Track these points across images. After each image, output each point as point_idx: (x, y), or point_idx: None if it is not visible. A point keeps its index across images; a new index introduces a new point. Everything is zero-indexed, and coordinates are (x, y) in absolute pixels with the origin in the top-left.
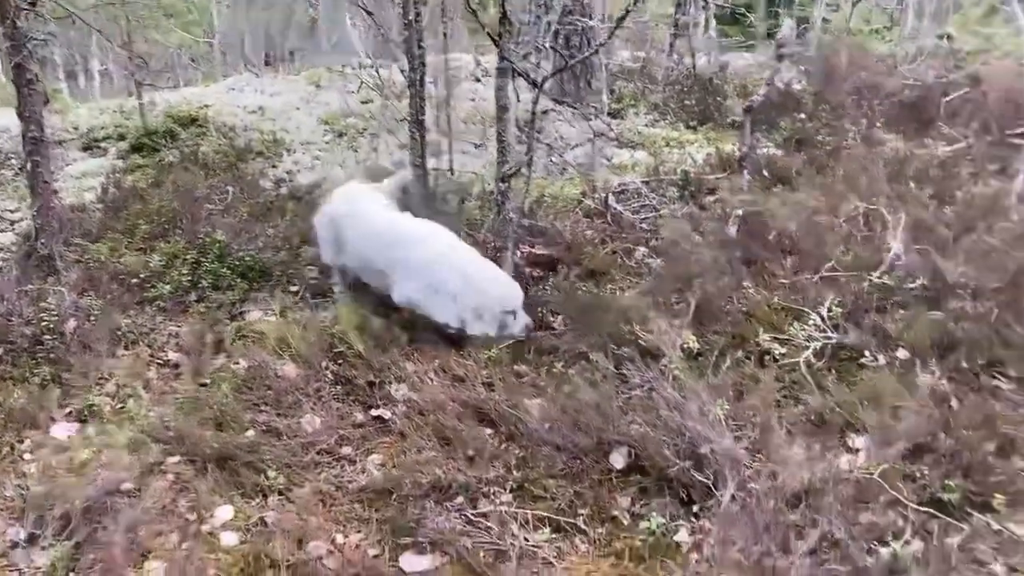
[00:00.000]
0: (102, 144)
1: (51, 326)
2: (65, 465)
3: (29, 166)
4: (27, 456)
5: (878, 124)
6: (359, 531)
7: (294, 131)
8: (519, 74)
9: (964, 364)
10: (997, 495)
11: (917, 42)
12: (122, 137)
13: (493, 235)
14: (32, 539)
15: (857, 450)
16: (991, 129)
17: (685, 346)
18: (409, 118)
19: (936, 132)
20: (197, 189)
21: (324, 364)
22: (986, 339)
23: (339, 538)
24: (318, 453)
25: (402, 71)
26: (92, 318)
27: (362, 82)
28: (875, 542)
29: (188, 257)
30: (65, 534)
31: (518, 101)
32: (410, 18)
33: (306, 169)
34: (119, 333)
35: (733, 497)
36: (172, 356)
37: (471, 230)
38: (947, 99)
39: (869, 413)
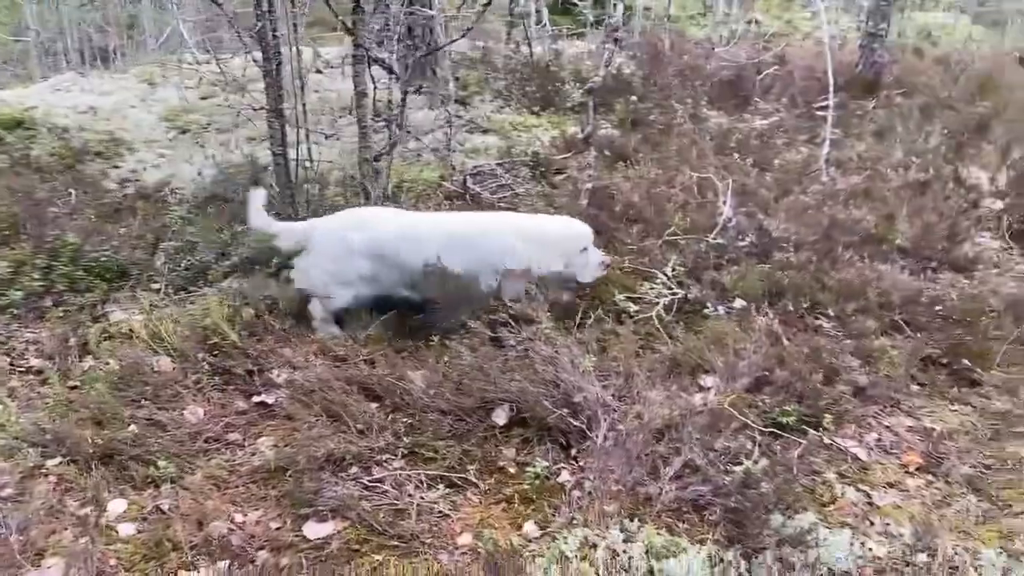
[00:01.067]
0: None
1: None
2: None
3: None
4: None
5: (702, 102)
6: (257, 509)
7: (133, 129)
8: (374, 60)
9: (791, 307)
10: (826, 415)
11: (729, 26)
12: None
13: None
14: None
15: (708, 388)
16: (798, 103)
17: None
18: (267, 107)
19: (753, 107)
20: (36, 193)
21: (200, 356)
22: (807, 285)
23: (238, 517)
24: (205, 441)
25: (255, 61)
26: None
27: (201, 77)
28: (729, 463)
29: (38, 262)
30: None
31: (375, 87)
32: (264, 8)
33: (152, 167)
34: None
35: (606, 437)
36: (34, 362)
37: None
38: (759, 77)
39: (715, 355)
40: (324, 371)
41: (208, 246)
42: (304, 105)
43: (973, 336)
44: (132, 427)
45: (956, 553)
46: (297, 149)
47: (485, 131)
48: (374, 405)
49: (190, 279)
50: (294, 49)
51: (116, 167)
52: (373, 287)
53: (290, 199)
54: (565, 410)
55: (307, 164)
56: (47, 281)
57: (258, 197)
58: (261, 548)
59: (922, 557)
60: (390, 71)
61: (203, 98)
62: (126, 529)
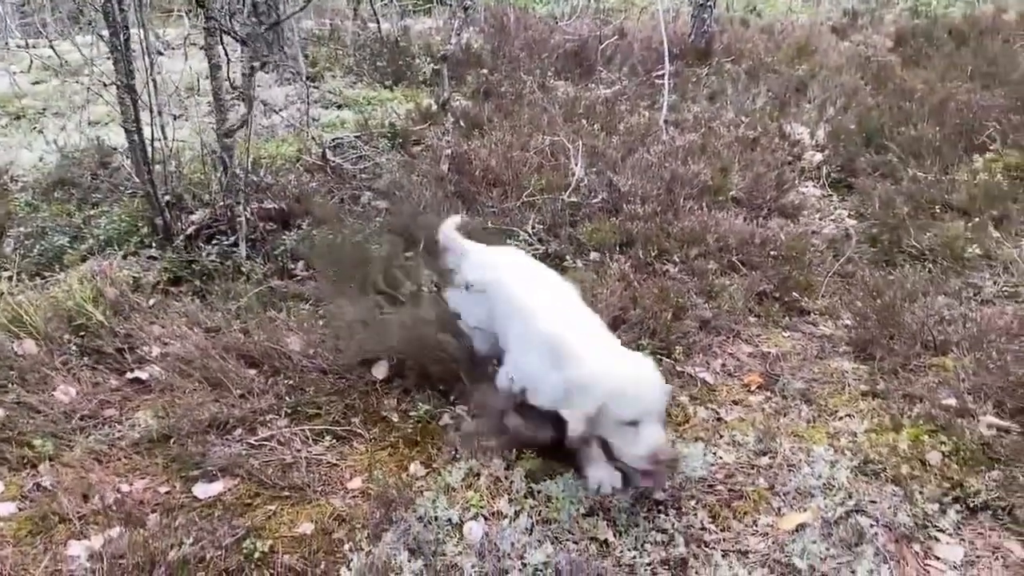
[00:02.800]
0: None
1: None
2: None
3: None
4: None
5: (549, 74)
6: (144, 477)
7: None
8: (226, 33)
9: (641, 255)
10: (676, 347)
11: (570, 2)
12: None
13: (223, 193)
14: None
15: None
16: (639, 71)
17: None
18: (118, 83)
19: (597, 77)
20: None
21: (66, 338)
22: (654, 234)
23: (125, 487)
24: (81, 419)
25: (102, 37)
26: None
27: (32, 61)
28: None
29: None
30: None
31: (228, 61)
32: None
33: None
34: None
35: (481, 377)
36: None
37: (197, 190)
38: (601, 48)
39: None
40: (200, 342)
41: (60, 230)
42: (155, 82)
43: (800, 271)
44: (0, 411)
45: (792, 453)
46: (152, 128)
47: (340, 106)
48: (253, 371)
49: (44, 264)
50: (140, 29)
51: None
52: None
53: (148, 177)
54: (442, 357)
55: (160, 142)
56: None
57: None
58: (152, 512)
59: (764, 459)
60: (243, 42)
61: (35, 83)
62: (6, 508)
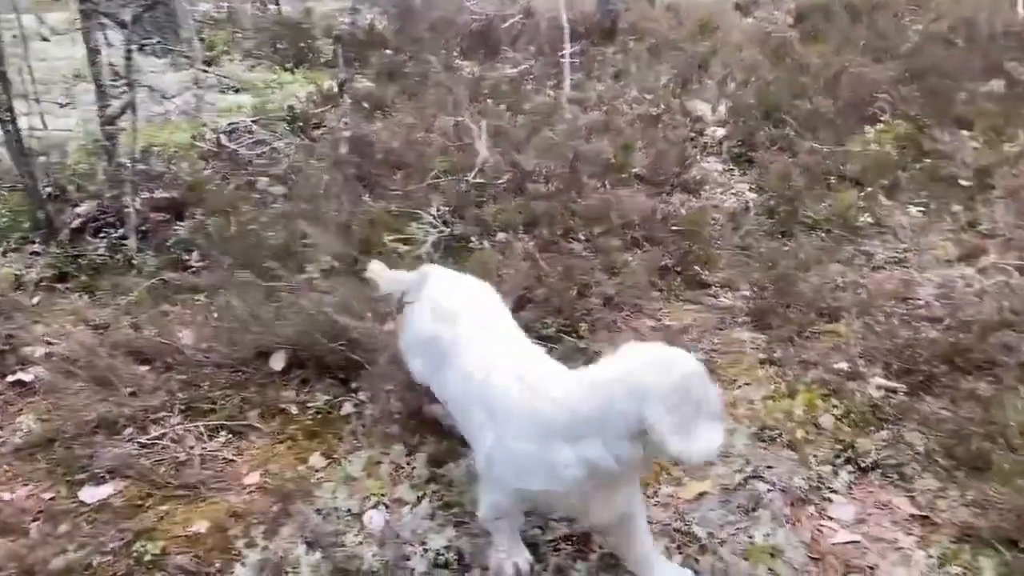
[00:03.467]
0: None
1: None
2: None
3: None
4: None
5: (455, 54)
6: (27, 484)
7: None
8: (105, 16)
9: (546, 234)
10: (581, 324)
11: None
12: None
13: (109, 184)
14: None
15: None
16: (545, 51)
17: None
18: None
19: (503, 57)
20: None
21: None
22: (559, 213)
23: (6, 495)
24: None
25: None
26: None
27: None
28: None
29: None
30: None
31: (108, 46)
32: None
33: None
34: None
35: (384, 364)
36: None
37: (82, 181)
38: (505, 26)
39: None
40: (86, 340)
41: None
42: (30, 69)
43: (700, 245)
44: None
45: None
46: (30, 117)
47: (237, 90)
48: (144, 368)
49: None
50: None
51: None
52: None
53: (27, 169)
54: (343, 346)
55: (38, 133)
56: None
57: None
58: (35, 520)
59: None
60: (122, 24)
61: None
62: None
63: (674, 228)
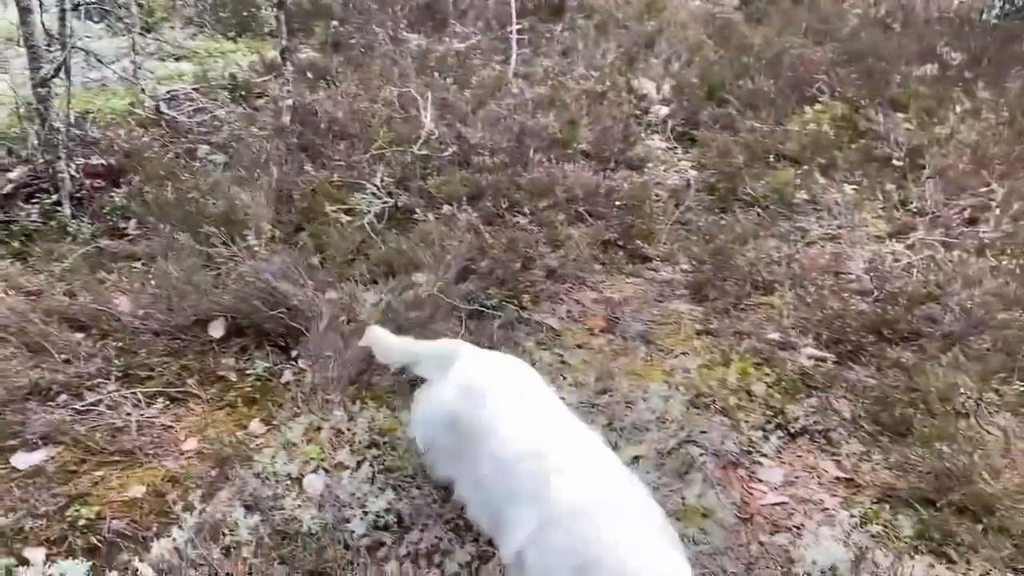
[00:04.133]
0: None
1: None
2: None
3: None
4: None
5: (401, 26)
6: None
7: None
8: None
9: (491, 206)
10: (524, 295)
11: None
12: None
13: (41, 149)
14: None
15: (419, 284)
16: (493, 26)
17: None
18: None
19: (451, 31)
20: None
21: None
22: (504, 186)
23: None
24: None
25: None
26: None
27: None
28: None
29: None
30: None
31: (41, 8)
32: None
33: None
34: None
35: (324, 333)
36: None
37: (14, 146)
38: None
39: (425, 253)
40: (18, 306)
41: None
42: None
43: (643, 220)
44: None
45: (630, 391)
46: None
47: (178, 58)
48: (79, 335)
49: None
50: None
51: None
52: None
53: None
54: (282, 313)
55: None
56: None
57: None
58: None
59: (604, 398)
60: None
61: None
62: None
63: (617, 204)
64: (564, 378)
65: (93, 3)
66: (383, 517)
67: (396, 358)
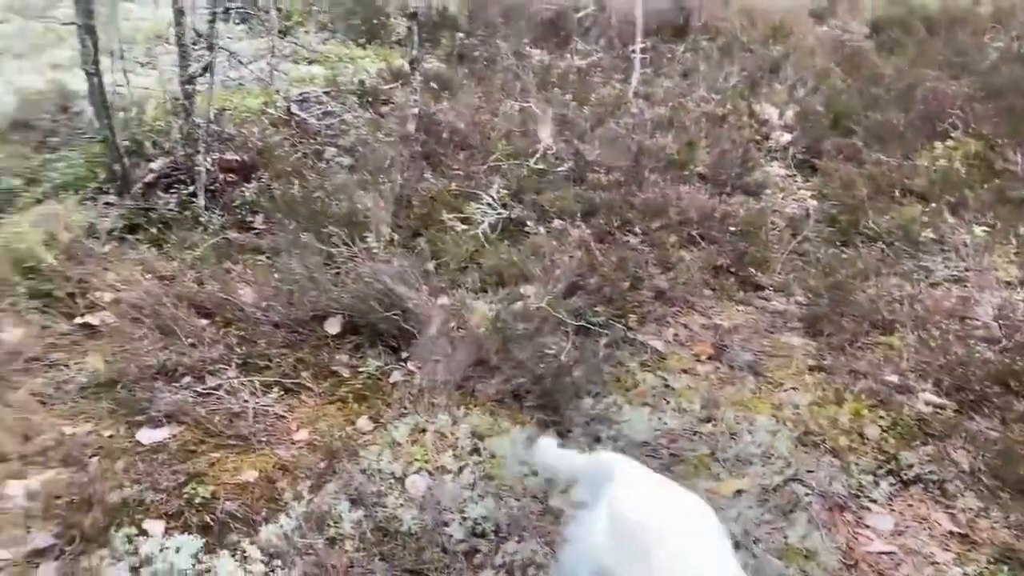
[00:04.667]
0: None
1: None
2: None
3: None
4: None
5: (525, 41)
6: (88, 421)
7: None
8: None
9: (603, 224)
10: (631, 315)
11: None
12: None
13: (183, 142)
14: None
15: (528, 296)
16: (615, 44)
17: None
18: (78, 24)
19: (572, 47)
20: None
21: (14, 280)
22: (617, 204)
23: (68, 429)
24: (26, 361)
25: None
26: None
27: None
28: (545, 356)
29: None
30: None
31: (194, 9)
32: None
33: None
34: None
35: (435, 338)
36: None
37: (158, 138)
38: (579, 17)
39: (534, 265)
40: (153, 289)
41: (14, 172)
42: (118, 28)
43: (757, 248)
44: None
45: (736, 422)
46: (113, 73)
47: (310, 62)
48: (205, 321)
49: None
50: None
51: None
52: None
53: (107, 123)
54: (396, 315)
55: (120, 88)
56: None
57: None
58: (94, 455)
59: (708, 426)
60: None
61: None
62: None
63: (732, 229)
64: (667, 402)
65: (240, 8)
66: (481, 524)
67: (559, 474)
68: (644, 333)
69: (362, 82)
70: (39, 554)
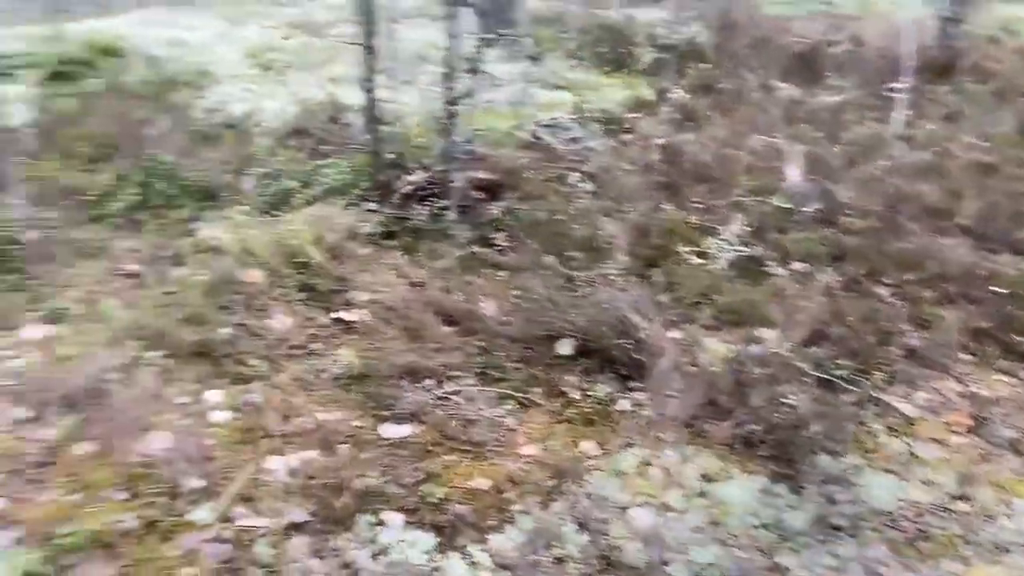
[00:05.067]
0: (12, 72)
1: (12, 237)
2: (49, 359)
3: None
4: (7, 352)
5: (773, 74)
6: (340, 409)
7: (218, 63)
8: (465, 5)
9: (851, 271)
10: (877, 372)
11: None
12: (34, 65)
13: (441, 159)
14: (35, 419)
15: (765, 340)
16: (871, 82)
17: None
18: (362, 43)
19: (824, 83)
20: (131, 115)
21: (287, 272)
22: (869, 252)
23: (322, 415)
24: (291, 348)
25: None
26: (51, 230)
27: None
28: (782, 405)
29: (135, 177)
30: (69, 411)
31: (464, 34)
32: None
33: (236, 100)
34: (77, 245)
35: (665, 371)
36: (133, 267)
37: (419, 153)
38: (831, 52)
39: (774, 308)
40: (405, 294)
41: (291, 175)
42: (396, 47)
43: None
44: (226, 329)
45: (993, 503)
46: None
47: (558, 87)
48: (449, 328)
49: (274, 204)
50: None
51: (203, 98)
52: None
53: (376, 135)
54: (628, 343)
55: (392, 104)
56: (143, 195)
57: None
58: (343, 442)
59: (960, 504)
60: (482, 14)
61: (284, 38)
62: (222, 416)
63: (997, 290)
64: (913, 473)
65: (505, 35)
66: (707, 571)
67: None
68: (891, 394)
69: (607, 110)
70: (295, 527)
